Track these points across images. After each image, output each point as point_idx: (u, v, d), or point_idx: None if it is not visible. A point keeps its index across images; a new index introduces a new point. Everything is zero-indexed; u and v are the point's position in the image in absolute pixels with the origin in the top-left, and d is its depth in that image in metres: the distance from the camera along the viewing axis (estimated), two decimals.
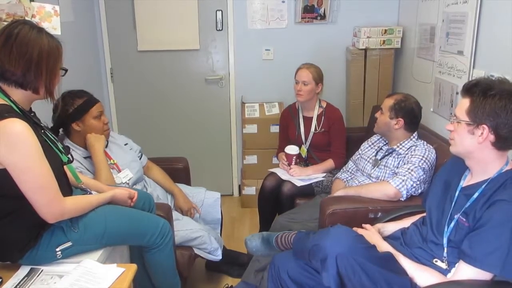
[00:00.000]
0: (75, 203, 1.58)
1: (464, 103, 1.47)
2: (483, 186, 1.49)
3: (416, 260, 1.62)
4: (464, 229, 1.49)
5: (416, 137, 2.31)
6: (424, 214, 1.76)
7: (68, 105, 2.05)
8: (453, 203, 1.57)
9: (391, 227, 1.86)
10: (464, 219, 1.50)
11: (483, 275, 1.40)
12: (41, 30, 1.49)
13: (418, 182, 2.14)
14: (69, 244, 1.57)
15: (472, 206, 1.49)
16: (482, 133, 1.43)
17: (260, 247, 2.00)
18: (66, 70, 1.58)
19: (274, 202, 2.75)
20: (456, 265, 1.49)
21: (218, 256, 2.36)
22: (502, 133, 1.41)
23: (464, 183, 1.59)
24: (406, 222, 1.86)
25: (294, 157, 2.77)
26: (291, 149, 2.79)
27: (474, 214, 1.46)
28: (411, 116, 2.27)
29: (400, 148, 2.29)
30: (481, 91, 1.43)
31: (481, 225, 1.42)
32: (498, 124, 1.40)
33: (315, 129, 2.82)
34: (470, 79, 2.26)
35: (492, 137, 1.43)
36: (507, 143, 1.44)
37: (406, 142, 2.29)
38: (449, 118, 2.46)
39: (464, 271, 1.43)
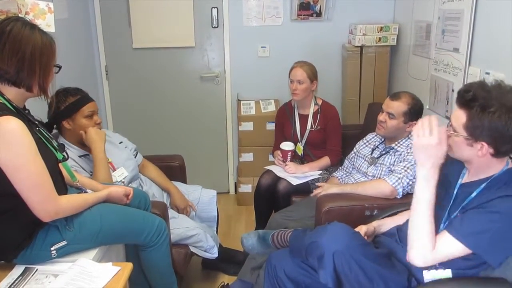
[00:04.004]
0: (70, 202, 1.56)
1: (460, 116, 1.43)
2: (482, 186, 1.48)
3: None
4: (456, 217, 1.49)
5: None
6: None
7: (60, 102, 2.03)
8: (452, 200, 1.56)
9: (388, 224, 1.86)
10: (460, 214, 1.49)
11: (463, 251, 1.41)
12: (34, 27, 1.47)
13: (414, 180, 2.13)
14: (64, 243, 1.56)
15: (470, 203, 1.48)
16: (481, 148, 1.41)
17: (256, 245, 2.00)
18: (59, 67, 1.57)
19: (270, 199, 2.75)
20: (439, 234, 1.48)
21: (214, 254, 2.35)
22: (502, 149, 1.40)
23: (463, 180, 1.58)
24: (403, 218, 1.85)
25: (289, 154, 2.77)
26: (286, 145, 2.78)
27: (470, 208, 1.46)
28: (420, 115, 2.28)
29: (399, 146, 2.29)
30: (480, 107, 1.37)
31: (479, 207, 1.42)
32: (497, 142, 1.38)
33: (311, 127, 2.82)
34: (465, 83, 2.26)
35: (492, 151, 1.41)
36: (507, 154, 1.43)
37: (404, 140, 2.29)
38: (444, 115, 2.48)
39: (447, 243, 1.43)
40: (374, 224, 1.86)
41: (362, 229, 1.80)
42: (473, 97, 1.39)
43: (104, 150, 2.08)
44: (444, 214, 1.57)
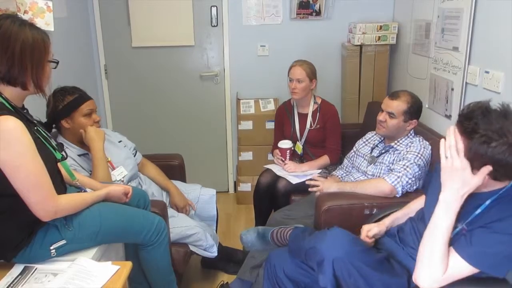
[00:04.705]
0: (69, 201, 1.56)
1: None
2: (487, 203, 1.42)
3: (411, 259, 1.60)
4: (463, 234, 1.45)
5: (413, 134, 2.31)
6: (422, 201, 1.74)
7: (58, 101, 2.02)
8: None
9: (401, 218, 1.82)
10: (466, 227, 1.44)
11: (471, 271, 1.39)
12: (24, 23, 1.45)
13: (413, 179, 2.14)
14: (63, 242, 1.56)
15: (477, 220, 1.43)
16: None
17: (255, 242, 2.00)
18: (57, 62, 1.54)
19: (269, 198, 2.75)
20: (450, 257, 1.44)
21: (213, 253, 2.35)
22: (502, 178, 1.37)
23: None
24: (412, 208, 1.82)
25: (288, 152, 2.77)
26: (284, 143, 2.79)
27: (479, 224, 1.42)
28: (420, 113, 2.28)
29: (398, 145, 2.29)
30: (480, 140, 1.30)
31: (488, 226, 1.38)
32: (497, 172, 1.34)
33: (311, 126, 2.82)
34: (465, 81, 2.25)
35: (492, 177, 1.36)
36: (509, 178, 1.39)
37: (403, 139, 2.29)
38: (444, 114, 2.47)
39: (457, 264, 1.40)
40: (386, 222, 1.83)
41: (373, 230, 1.77)
42: (473, 129, 1.32)
43: (104, 149, 2.08)
44: None
